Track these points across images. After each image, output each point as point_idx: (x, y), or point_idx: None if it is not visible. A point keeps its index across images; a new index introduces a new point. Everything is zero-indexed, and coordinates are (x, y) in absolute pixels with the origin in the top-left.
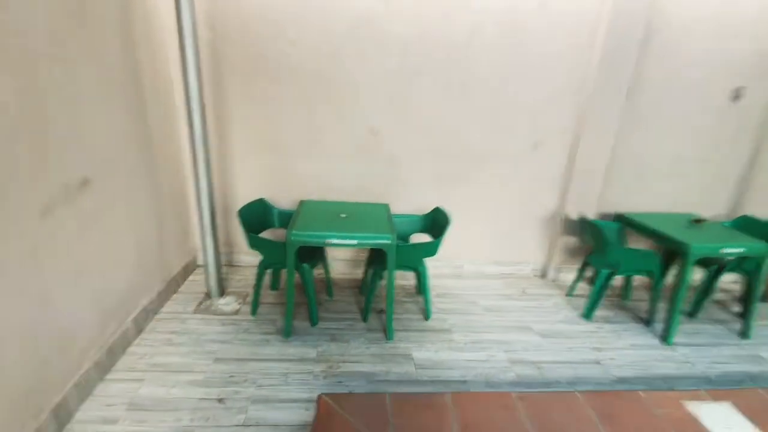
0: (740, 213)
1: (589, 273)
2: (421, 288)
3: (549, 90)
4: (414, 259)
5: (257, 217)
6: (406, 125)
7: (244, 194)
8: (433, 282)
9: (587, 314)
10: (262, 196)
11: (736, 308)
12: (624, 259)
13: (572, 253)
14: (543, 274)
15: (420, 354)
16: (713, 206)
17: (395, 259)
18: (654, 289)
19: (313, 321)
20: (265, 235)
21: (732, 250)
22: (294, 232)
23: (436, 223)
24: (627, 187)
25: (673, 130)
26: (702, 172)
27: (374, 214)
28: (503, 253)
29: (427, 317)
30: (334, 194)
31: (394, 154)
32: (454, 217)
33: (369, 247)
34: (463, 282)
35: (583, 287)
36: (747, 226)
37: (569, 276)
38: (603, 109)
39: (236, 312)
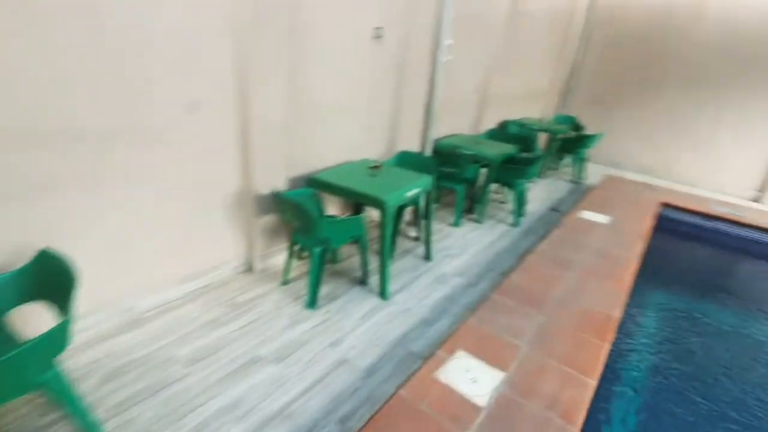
0: (397, 149)
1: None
2: (66, 408)
3: (199, 24)
4: (22, 379)
5: None
6: None
7: None
8: (90, 355)
9: (311, 302)
10: None
11: (413, 233)
12: (333, 232)
13: (276, 231)
14: (249, 268)
15: None
16: (378, 146)
17: None
18: (363, 250)
19: None
20: None
21: (413, 192)
22: None
23: (48, 280)
24: (310, 140)
25: (336, 72)
26: (366, 113)
27: None
28: (191, 263)
29: None
30: None
31: None
32: (99, 238)
33: None
34: (143, 330)
35: (296, 265)
36: (408, 161)
37: (280, 259)
38: (269, 50)
39: None
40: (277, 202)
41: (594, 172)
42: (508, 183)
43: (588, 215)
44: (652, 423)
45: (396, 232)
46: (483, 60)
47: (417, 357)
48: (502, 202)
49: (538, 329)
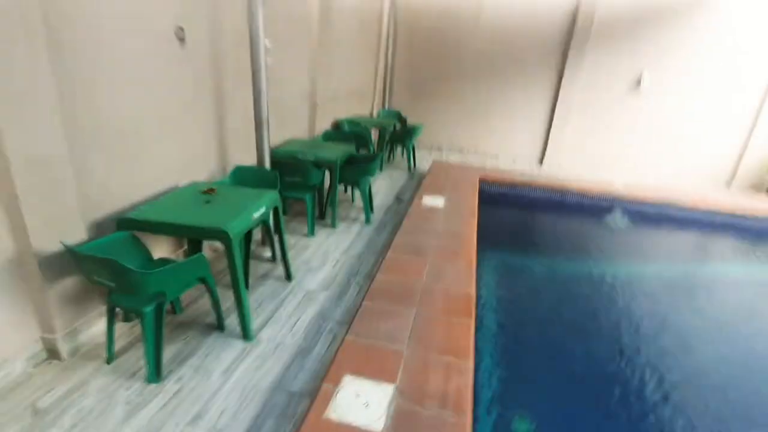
0: (230, 165)
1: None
2: None
3: None
4: None
5: None
6: None
7: None
8: None
9: (154, 374)
10: None
11: (267, 253)
12: (165, 283)
13: (85, 294)
14: (53, 354)
15: None
16: (208, 165)
17: None
18: (211, 291)
19: None
20: None
21: (259, 213)
22: None
23: None
24: (114, 171)
25: (135, 82)
26: (184, 129)
27: None
28: None
29: None
30: None
31: None
32: None
33: None
34: None
35: (123, 330)
36: (246, 177)
37: (98, 328)
38: (15, 54)
39: None
40: (74, 260)
41: (423, 159)
42: (353, 182)
43: (427, 200)
44: (522, 364)
45: (248, 257)
46: (306, 62)
47: (301, 397)
48: (351, 201)
49: (414, 326)
